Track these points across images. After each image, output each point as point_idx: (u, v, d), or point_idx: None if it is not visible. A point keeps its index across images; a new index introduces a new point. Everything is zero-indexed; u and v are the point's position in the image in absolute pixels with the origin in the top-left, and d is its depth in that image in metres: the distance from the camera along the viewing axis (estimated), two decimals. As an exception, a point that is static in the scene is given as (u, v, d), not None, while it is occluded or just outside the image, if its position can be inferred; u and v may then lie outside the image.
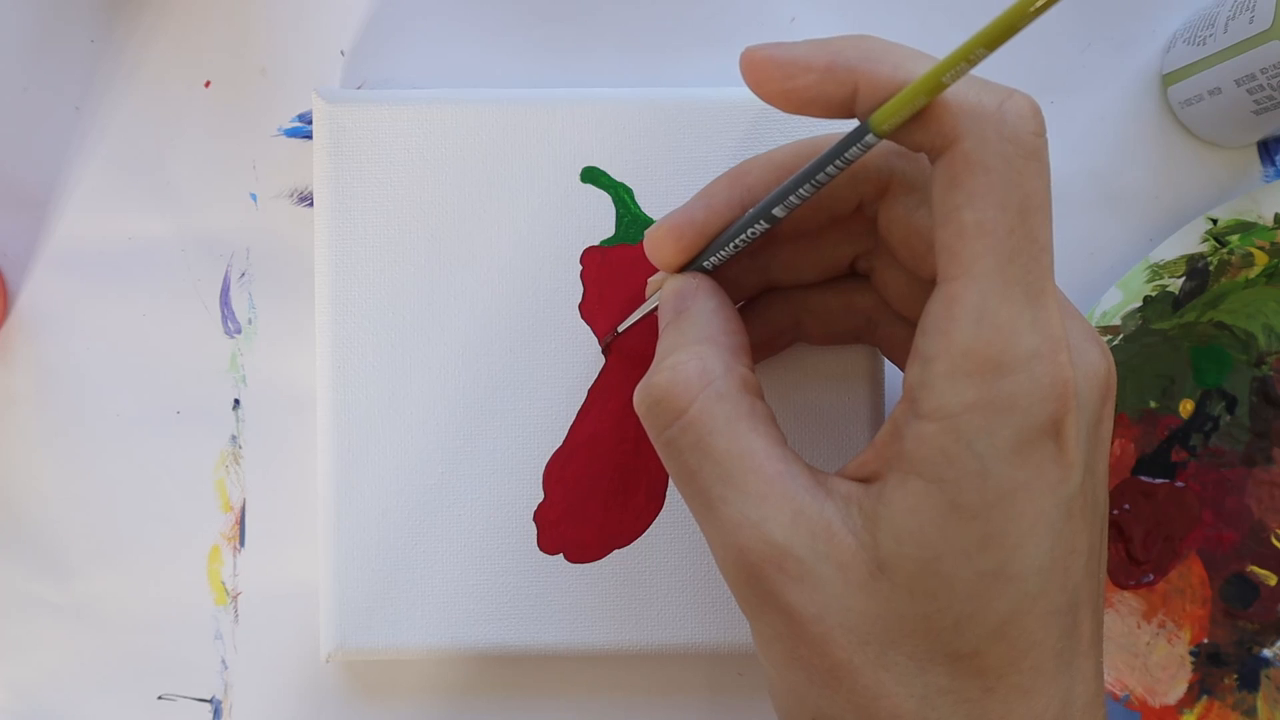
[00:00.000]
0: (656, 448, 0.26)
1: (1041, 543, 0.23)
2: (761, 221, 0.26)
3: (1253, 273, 0.35)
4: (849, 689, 0.24)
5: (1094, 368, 0.24)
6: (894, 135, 0.24)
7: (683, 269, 0.28)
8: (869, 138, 0.24)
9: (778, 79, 0.25)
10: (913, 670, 0.23)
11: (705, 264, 0.28)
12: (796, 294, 0.31)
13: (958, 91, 0.23)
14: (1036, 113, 0.23)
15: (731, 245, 0.27)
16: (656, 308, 0.29)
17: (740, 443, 0.25)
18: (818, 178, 0.25)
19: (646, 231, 0.28)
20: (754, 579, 0.24)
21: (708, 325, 0.26)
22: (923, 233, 0.26)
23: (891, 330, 0.30)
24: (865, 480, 0.24)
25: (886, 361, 0.35)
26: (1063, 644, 0.24)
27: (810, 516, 0.24)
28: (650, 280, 0.30)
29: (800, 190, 0.25)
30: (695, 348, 0.26)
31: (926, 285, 0.26)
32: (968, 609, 0.23)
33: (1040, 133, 0.23)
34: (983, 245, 0.22)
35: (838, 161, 0.24)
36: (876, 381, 0.34)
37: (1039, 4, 0.20)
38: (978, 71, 0.23)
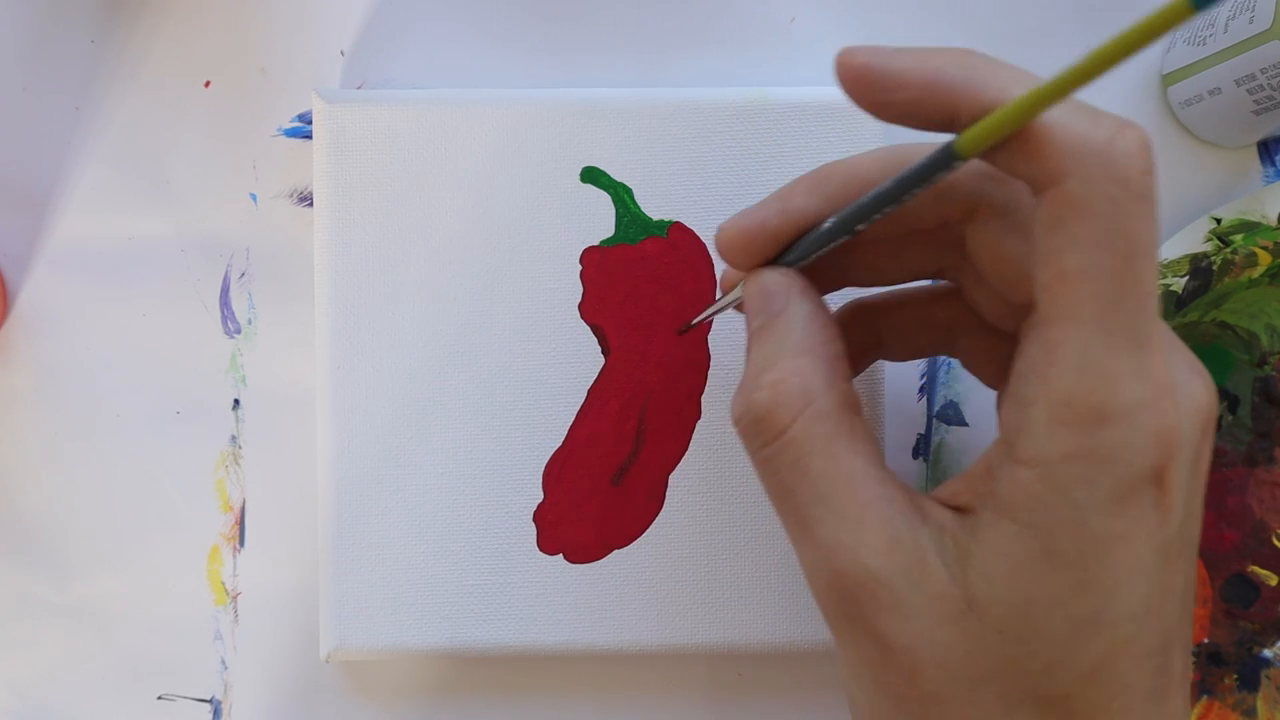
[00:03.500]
0: (754, 463, 0.26)
1: (1137, 589, 0.22)
2: (842, 236, 0.25)
3: (1256, 273, 0.35)
4: None
5: (1197, 403, 0.24)
6: (995, 161, 0.23)
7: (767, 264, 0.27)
8: (956, 162, 0.23)
9: (875, 90, 0.24)
10: (1000, 710, 0.23)
11: (791, 259, 0.27)
12: (875, 310, 0.30)
13: (1065, 122, 0.22)
14: (1146, 149, 0.22)
15: (810, 258, 0.26)
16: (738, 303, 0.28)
17: (838, 463, 0.24)
18: (902, 197, 0.24)
19: (720, 227, 0.27)
20: (846, 603, 0.24)
21: (806, 334, 0.25)
22: (1013, 259, 0.25)
23: (972, 341, 0.29)
24: (960, 509, 0.24)
25: (886, 388, 0.35)
26: (1154, 683, 0.23)
27: (905, 545, 0.23)
28: (724, 274, 0.29)
29: (883, 208, 0.24)
30: (795, 361, 0.25)
31: (1016, 306, 0.26)
32: (1059, 654, 0.22)
33: (1149, 171, 0.22)
34: (1087, 291, 0.22)
35: (924, 183, 0.23)
36: (875, 411, 0.34)
37: (1145, 39, 0.19)
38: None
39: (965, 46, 0.24)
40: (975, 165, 0.25)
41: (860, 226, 0.25)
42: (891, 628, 0.23)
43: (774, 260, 0.27)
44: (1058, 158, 0.22)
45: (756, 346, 0.26)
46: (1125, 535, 0.22)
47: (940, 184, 0.25)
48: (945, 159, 0.23)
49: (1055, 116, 0.22)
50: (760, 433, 0.25)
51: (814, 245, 0.26)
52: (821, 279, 0.28)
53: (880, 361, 0.34)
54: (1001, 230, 0.25)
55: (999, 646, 0.23)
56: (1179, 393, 0.23)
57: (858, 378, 0.34)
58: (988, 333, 0.28)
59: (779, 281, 0.26)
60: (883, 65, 0.24)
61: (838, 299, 0.31)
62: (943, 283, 0.30)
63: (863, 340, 0.30)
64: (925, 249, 0.28)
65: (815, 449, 0.24)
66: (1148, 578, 0.22)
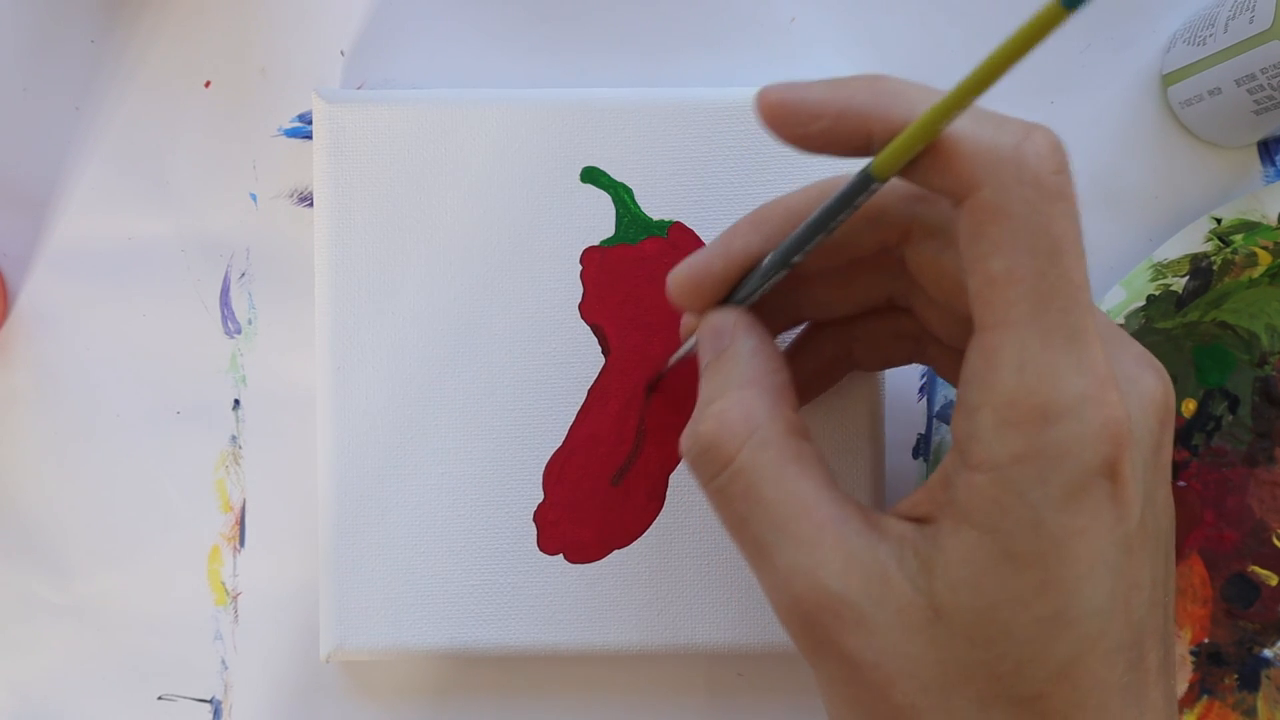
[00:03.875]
0: (706, 495, 0.26)
1: (1100, 584, 0.22)
2: (781, 270, 0.26)
3: (1256, 272, 0.35)
4: None
5: (1149, 395, 0.24)
6: (914, 179, 0.23)
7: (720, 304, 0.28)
8: (874, 185, 0.23)
9: (791, 125, 0.24)
10: (976, 714, 0.23)
11: (739, 298, 0.27)
12: (844, 325, 0.30)
13: (972, 133, 0.22)
14: (1057, 149, 0.22)
15: (755, 294, 0.27)
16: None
17: (789, 488, 0.24)
18: (829, 226, 0.24)
19: (669, 276, 0.28)
20: (810, 626, 0.24)
21: (749, 367, 0.26)
22: (952, 274, 0.26)
23: (940, 350, 0.29)
24: (920, 520, 0.24)
25: (886, 388, 0.35)
26: (1128, 678, 0.23)
27: (864, 561, 0.24)
28: (684, 321, 0.30)
29: (814, 239, 0.25)
30: (738, 393, 0.26)
31: (967, 321, 0.26)
32: (1028, 654, 0.23)
33: (1062, 170, 0.22)
34: (1015, 293, 0.22)
35: (847, 209, 0.24)
36: (875, 410, 0.34)
37: (1027, 44, 0.19)
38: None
39: (967, 47, 0.24)
40: (904, 188, 0.26)
41: (796, 259, 0.25)
42: (858, 645, 0.23)
43: (725, 300, 0.28)
44: (969, 168, 0.22)
45: (704, 382, 0.27)
46: (1083, 531, 0.22)
47: (871, 210, 0.26)
48: (863, 183, 0.23)
49: (963, 128, 0.22)
50: (709, 464, 0.25)
51: (757, 282, 0.27)
52: (775, 317, 0.29)
53: (879, 390, 0.34)
54: (937, 248, 0.26)
55: (968, 652, 0.23)
56: (1129, 385, 0.24)
57: (856, 379, 0.34)
58: (954, 348, 0.29)
59: (726, 319, 0.27)
60: (796, 99, 0.24)
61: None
62: None
63: (834, 353, 0.31)
64: (871, 277, 0.28)
65: (764, 476, 0.25)
66: (1110, 572, 0.23)
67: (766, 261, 0.26)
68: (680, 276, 0.27)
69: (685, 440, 0.26)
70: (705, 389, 0.27)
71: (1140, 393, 0.24)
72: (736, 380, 0.26)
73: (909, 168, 0.23)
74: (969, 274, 0.23)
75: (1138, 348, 0.25)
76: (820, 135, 0.24)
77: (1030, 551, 0.22)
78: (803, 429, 0.26)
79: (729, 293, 0.27)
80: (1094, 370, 0.22)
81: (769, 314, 0.29)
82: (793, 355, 0.31)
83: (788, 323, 0.30)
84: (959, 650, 0.23)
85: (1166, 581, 0.25)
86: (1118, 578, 0.23)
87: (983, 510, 0.22)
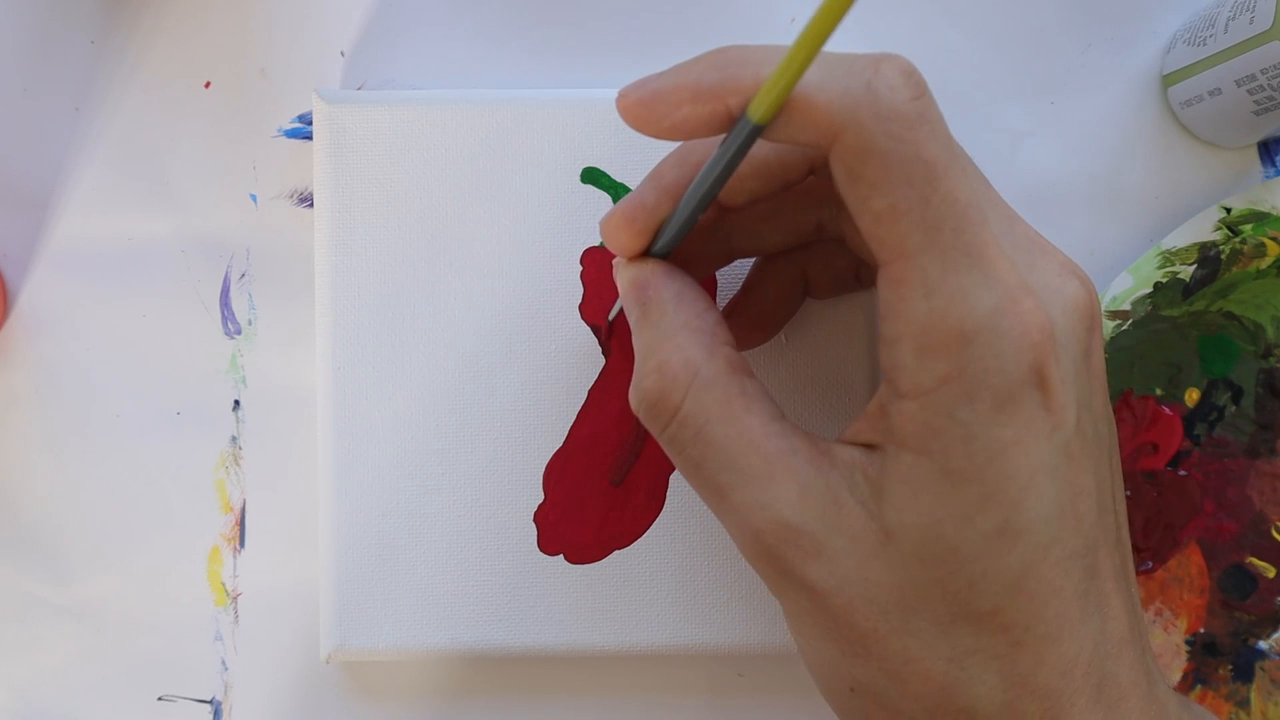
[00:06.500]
0: (663, 447, 0.26)
1: (1044, 492, 0.23)
2: (694, 218, 0.26)
3: (1264, 263, 0.35)
4: (879, 657, 0.24)
5: (1072, 300, 0.24)
6: (782, 139, 0.23)
7: (641, 255, 0.28)
8: (752, 129, 0.23)
9: (654, 119, 0.25)
10: (937, 633, 0.23)
11: (659, 248, 0.27)
12: (791, 256, 0.31)
13: (822, 81, 0.22)
14: (909, 75, 0.22)
15: (678, 228, 0.27)
16: None
17: (736, 426, 0.25)
18: (723, 177, 0.24)
19: (601, 221, 0.28)
20: (772, 559, 0.24)
21: (677, 312, 0.26)
22: None
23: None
24: (867, 446, 0.24)
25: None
26: (1086, 585, 0.23)
27: (817, 490, 0.24)
28: (615, 265, 0.30)
29: (722, 168, 0.25)
30: (672, 340, 0.26)
31: None
32: (978, 569, 0.23)
33: (919, 95, 0.22)
34: (905, 225, 0.22)
35: (735, 151, 0.24)
36: (873, 334, 0.34)
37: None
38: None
39: (967, 47, 0.24)
40: None
41: (714, 189, 0.25)
42: (819, 573, 0.24)
43: (647, 251, 0.27)
44: (827, 116, 0.22)
45: (638, 336, 0.27)
46: (1018, 440, 0.22)
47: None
48: (743, 129, 0.23)
49: (813, 79, 0.22)
50: (657, 415, 0.26)
51: (680, 216, 0.26)
52: (706, 256, 0.29)
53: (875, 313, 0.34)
54: None
55: (921, 572, 0.23)
56: (1050, 294, 0.24)
57: (853, 373, 0.34)
58: None
59: (641, 271, 0.27)
60: (650, 93, 0.24)
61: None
62: None
63: (788, 283, 0.31)
64: (797, 206, 0.29)
65: (711, 417, 0.25)
66: (1052, 479, 0.23)
67: (686, 195, 0.26)
68: (614, 216, 0.27)
69: (632, 399, 0.26)
70: (639, 344, 0.27)
71: (1063, 299, 0.24)
72: (667, 329, 0.26)
73: (776, 131, 0.23)
74: (856, 217, 0.23)
75: (1060, 256, 0.25)
76: (684, 123, 0.24)
77: (967, 467, 0.22)
78: (743, 365, 0.26)
79: (661, 228, 0.27)
80: (1001, 281, 0.22)
81: (699, 255, 0.29)
82: (749, 290, 0.31)
83: (722, 259, 0.30)
84: (913, 571, 0.23)
85: (1114, 488, 0.25)
86: (1060, 484, 0.23)
87: (917, 435, 0.23)
